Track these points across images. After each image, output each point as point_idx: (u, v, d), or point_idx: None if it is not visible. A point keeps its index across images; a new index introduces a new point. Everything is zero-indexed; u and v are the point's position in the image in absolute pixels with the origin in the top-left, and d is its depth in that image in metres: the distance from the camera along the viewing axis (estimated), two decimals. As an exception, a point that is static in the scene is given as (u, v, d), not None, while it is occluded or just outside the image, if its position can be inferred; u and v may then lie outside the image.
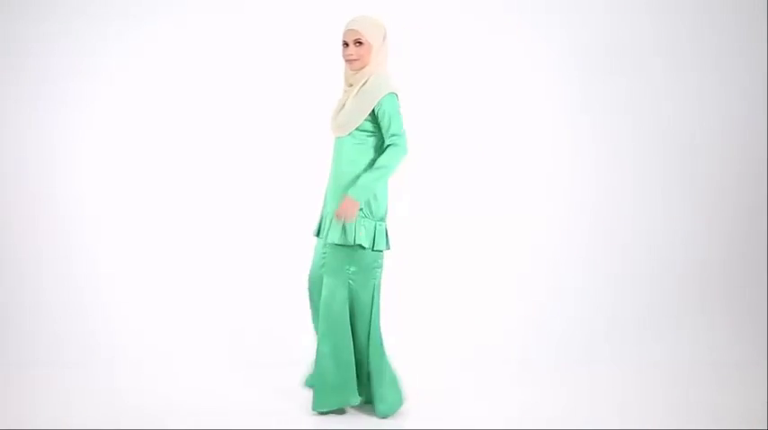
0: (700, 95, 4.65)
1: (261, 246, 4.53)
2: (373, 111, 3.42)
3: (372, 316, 3.50)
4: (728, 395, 3.84)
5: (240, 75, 4.55)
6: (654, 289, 4.60)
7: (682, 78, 4.64)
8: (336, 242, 3.43)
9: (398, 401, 3.54)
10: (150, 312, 4.42)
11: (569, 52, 4.62)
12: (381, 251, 3.51)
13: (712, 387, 3.96)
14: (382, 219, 3.51)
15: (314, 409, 3.50)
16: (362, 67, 3.47)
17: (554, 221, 4.64)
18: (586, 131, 4.66)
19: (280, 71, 4.56)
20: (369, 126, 3.44)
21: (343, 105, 3.48)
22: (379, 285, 3.52)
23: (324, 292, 3.48)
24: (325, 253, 3.51)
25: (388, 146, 3.42)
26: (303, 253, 3.75)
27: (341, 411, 3.53)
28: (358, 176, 3.43)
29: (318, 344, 3.49)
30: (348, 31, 3.46)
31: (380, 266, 3.52)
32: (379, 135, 3.46)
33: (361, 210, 3.43)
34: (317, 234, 3.60)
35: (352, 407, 3.57)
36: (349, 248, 3.45)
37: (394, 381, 3.55)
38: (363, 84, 3.44)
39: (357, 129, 3.44)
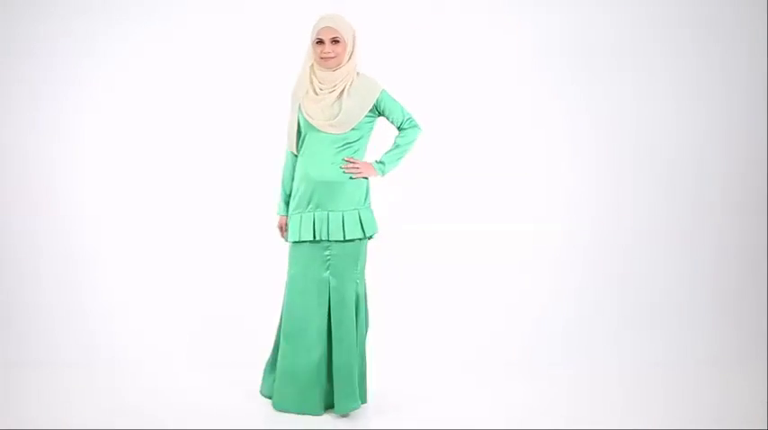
0: (700, 95, 4.64)
1: (264, 247, 4.51)
2: (374, 107, 3.42)
3: (365, 313, 3.50)
4: (728, 395, 3.84)
5: (240, 75, 4.54)
6: (654, 289, 4.60)
7: (683, 78, 4.63)
8: (356, 237, 3.40)
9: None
10: (150, 312, 4.42)
11: (569, 52, 4.61)
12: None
13: (712, 387, 3.96)
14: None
15: (336, 412, 3.46)
16: (338, 66, 3.40)
17: (554, 221, 4.63)
18: (586, 131, 4.65)
19: (280, 71, 4.53)
20: (364, 121, 3.43)
21: (334, 106, 3.39)
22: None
23: (333, 297, 3.41)
24: (328, 254, 3.44)
25: (406, 128, 3.48)
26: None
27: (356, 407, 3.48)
28: (343, 173, 3.40)
29: (320, 353, 3.44)
30: (324, 29, 3.37)
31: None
32: (361, 131, 3.45)
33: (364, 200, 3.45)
34: (298, 239, 3.45)
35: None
36: (358, 243, 3.43)
37: (363, 379, 3.53)
38: (351, 83, 3.39)
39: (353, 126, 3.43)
